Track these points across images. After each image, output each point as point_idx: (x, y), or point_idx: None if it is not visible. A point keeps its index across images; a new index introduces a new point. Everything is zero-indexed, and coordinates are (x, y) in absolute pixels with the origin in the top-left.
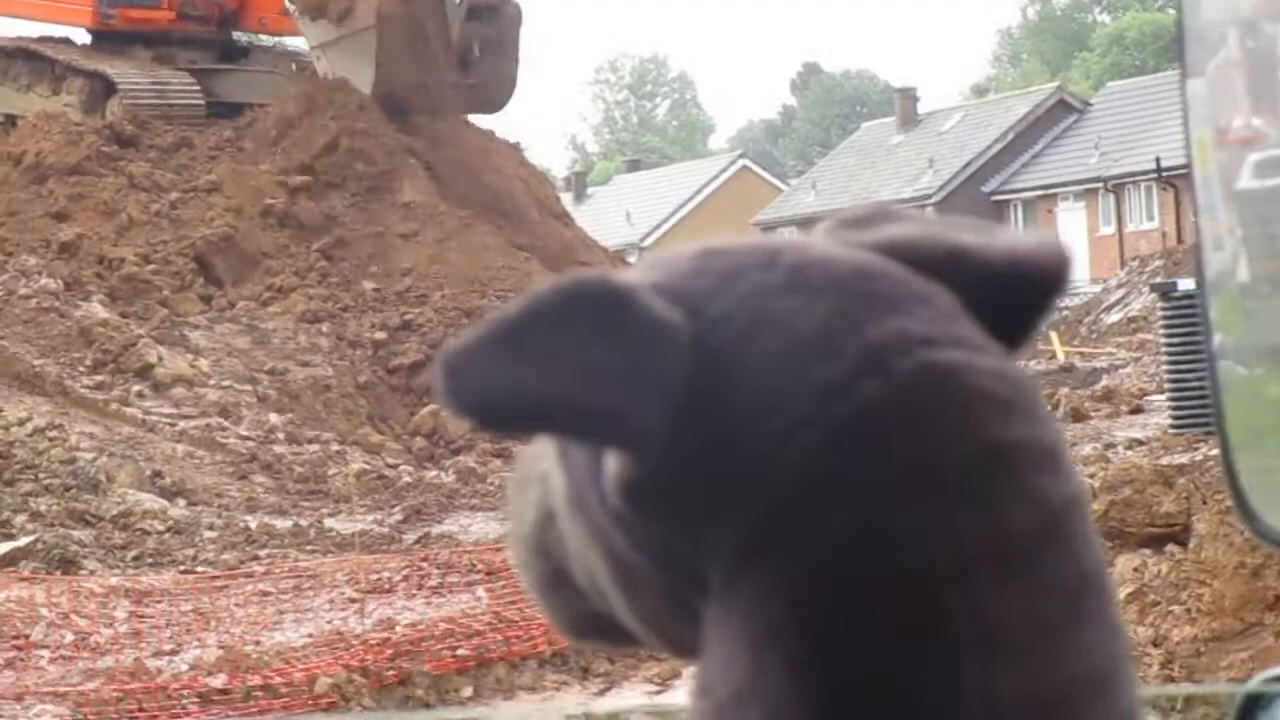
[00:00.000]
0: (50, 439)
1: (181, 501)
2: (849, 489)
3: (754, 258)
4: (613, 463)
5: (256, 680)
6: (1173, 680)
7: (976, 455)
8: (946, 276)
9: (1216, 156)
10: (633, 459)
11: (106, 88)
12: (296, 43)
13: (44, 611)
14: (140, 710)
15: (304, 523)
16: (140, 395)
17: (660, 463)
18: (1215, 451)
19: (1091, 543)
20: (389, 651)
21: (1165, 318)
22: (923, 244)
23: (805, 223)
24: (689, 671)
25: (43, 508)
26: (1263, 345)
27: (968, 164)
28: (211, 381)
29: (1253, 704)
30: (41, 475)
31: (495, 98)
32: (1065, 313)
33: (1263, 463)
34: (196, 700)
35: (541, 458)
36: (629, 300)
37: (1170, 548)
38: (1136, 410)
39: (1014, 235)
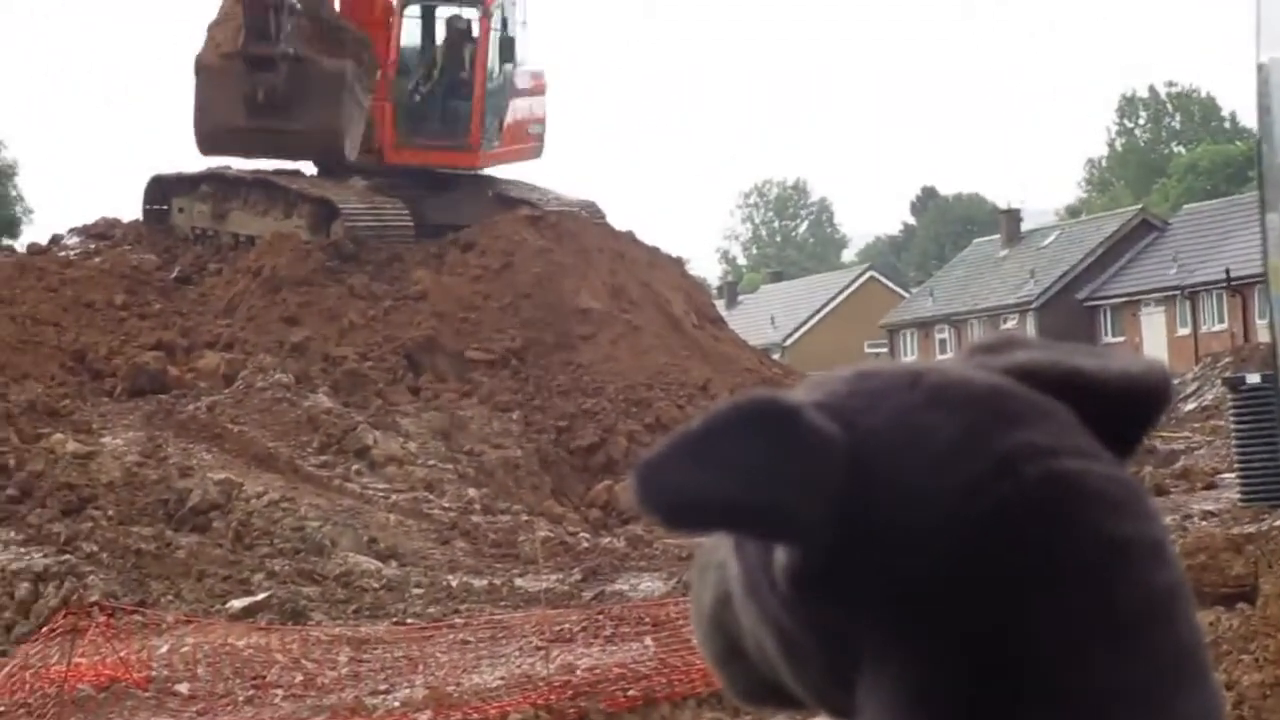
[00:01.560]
0: (283, 510)
1: (393, 563)
2: (987, 577)
3: (899, 380)
4: (781, 554)
5: (457, 716)
6: (1242, 719)
7: (1093, 548)
8: (1066, 395)
9: None
10: (799, 551)
11: (330, 212)
12: (492, 171)
13: (278, 656)
14: None
15: (497, 581)
16: (358, 473)
17: (823, 555)
18: None
19: (1192, 621)
20: (569, 692)
21: (1234, 407)
22: (1045, 367)
23: (924, 325)
24: None
25: (277, 568)
26: None
27: (1063, 275)
28: (419, 461)
29: None
30: (275, 540)
31: (322, 147)
32: None
33: None
34: None
35: (719, 548)
36: (796, 417)
37: (1240, 605)
38: (1210, 486)
39: (1126, 359)
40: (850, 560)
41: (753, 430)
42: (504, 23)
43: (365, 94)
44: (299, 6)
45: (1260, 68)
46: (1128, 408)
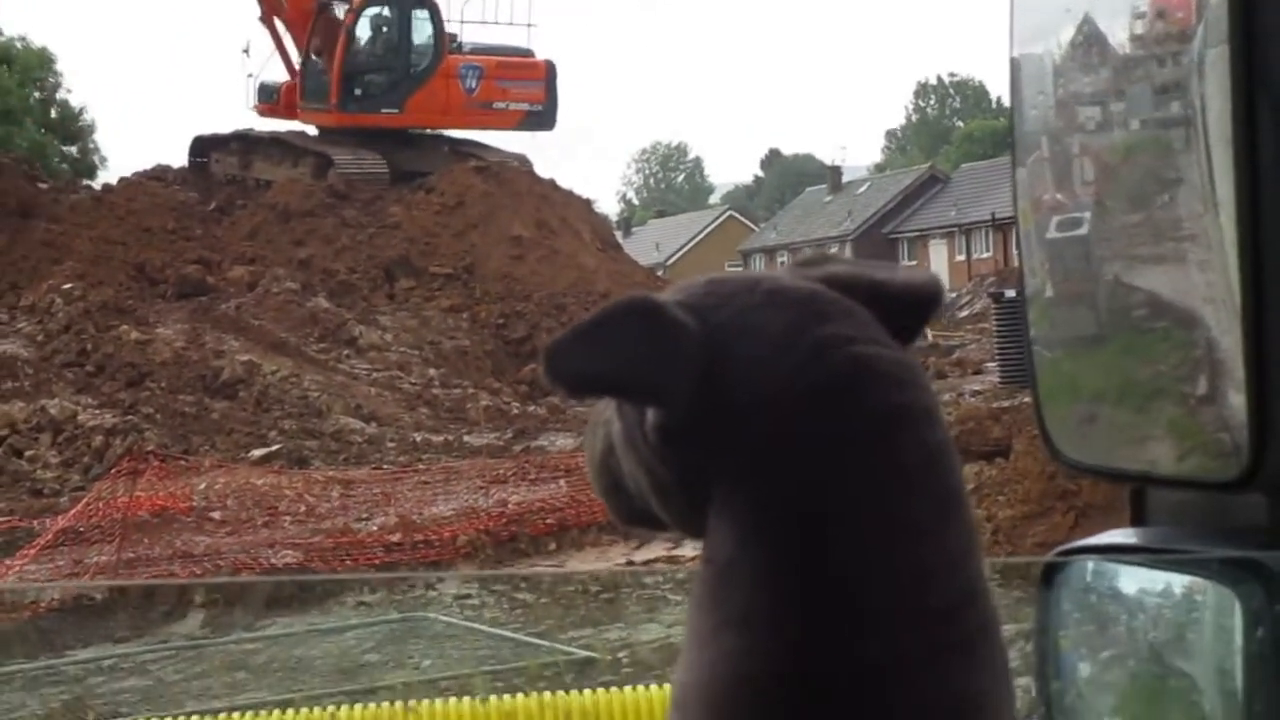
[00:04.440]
0: (291, 383)
1: (373, 424)
2: (806, 437)
3: (743, 284)
4: (651, 415)
5: (420, 537)
6: (998, 544)
7: (883, 413)
8: (865, 299)
9: (1034, 218)
10: (664, 413)
11: (327, 162)
12: (452, 133)
13: (286, 492)
14: (346, 555)
15: (450, 438)
16: (348, 356)
17: (682, 416)
18: (1029, 401)
19: (956, 471)
20: (504, 520)
21: (996, 314)
22: (849, 278)
23: (769, 251)
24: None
25: (286, 426)
26: (1060, 338)
27: (873, 215)
28: (393, 348)
29: (1051, 570)
30: (286, 406)
31: None
32: None
33: (1059, 414)
34: (382, 549)
35: (606, 409)
36: (662, 312)
37: (998, 460)
38: (977, 372)
39: (909, 273)
40: (703, 422)
41: (630, 322)
42: (433, 18)
43: None
44: None
45: (1012, 61)
46: (909, 308)
